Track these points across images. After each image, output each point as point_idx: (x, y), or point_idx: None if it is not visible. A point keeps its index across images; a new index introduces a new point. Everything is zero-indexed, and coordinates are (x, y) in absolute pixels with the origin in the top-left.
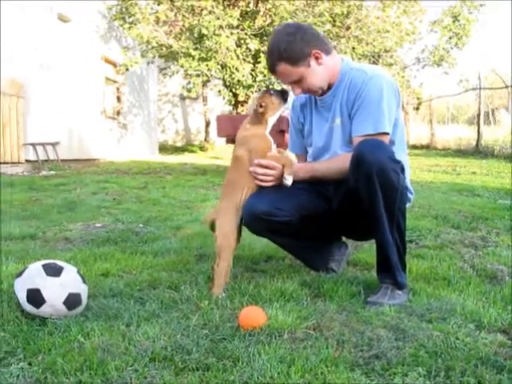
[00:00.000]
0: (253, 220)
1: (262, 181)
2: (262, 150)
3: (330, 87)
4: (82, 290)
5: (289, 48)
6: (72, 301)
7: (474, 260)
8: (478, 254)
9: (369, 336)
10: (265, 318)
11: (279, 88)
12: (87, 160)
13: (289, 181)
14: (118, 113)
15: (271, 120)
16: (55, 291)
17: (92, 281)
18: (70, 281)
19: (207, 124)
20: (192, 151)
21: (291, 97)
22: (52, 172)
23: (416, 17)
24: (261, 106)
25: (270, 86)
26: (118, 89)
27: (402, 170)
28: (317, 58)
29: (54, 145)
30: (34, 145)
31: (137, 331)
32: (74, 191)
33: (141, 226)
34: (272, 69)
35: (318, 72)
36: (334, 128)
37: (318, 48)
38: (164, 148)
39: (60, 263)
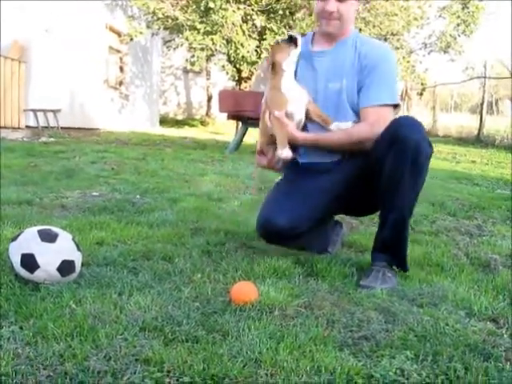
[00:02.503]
0: (269, 234)
1: None
2: (275, 105)
3: (333, 39)
4: (76, 257)
5: None
6: (65, 267)
7: (469, 248)
8: (473, 243)
9: (359, 317)
10: (256, 294)
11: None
12: (87, 129)
13: (281, 154)
14: (121, 83)
15: (286, 64)
16: (49, 257)
17: (86, 249)
18: (65, 247)
19: (209, 98)
20: (193, 125)
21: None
22: (52, 139)
23: (425, 1)
24: (272, 56)
25: None
26: (121, 59)
27: (431, 152)
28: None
29: (54, 112)
30: (34, 111)
31: (128, 300)
32: (72, 159)
33: (138, 196)
34: None
35: (353, 9)
36: (338, 89)
37: None
38: (165, 120)
39: (55, 230)
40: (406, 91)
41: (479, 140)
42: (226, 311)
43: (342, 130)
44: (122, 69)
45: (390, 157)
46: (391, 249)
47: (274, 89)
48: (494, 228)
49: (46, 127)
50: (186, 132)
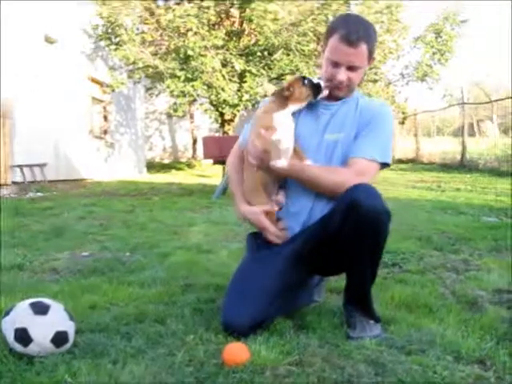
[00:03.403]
0: (235, 335)
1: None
2: (260, 127)
3: (339, 98)
4: (69, 327)
5: (374, 39)
6: (59, 339)
7: (456, 285)
8: (460, 279)
9: (349, 372)
10: (248, 354)
11: (315, 79)
12: (74, 180)
13: (277, 164)
14: (105, 132)
15: (292, 108)
16: (42, 330)
17: (79, 314)
18: (57, 319)
19: (194, 141)
20: (179, 168)
21: (323, 94)
22: (39, 194)
23: (399, 34)
24: (288, 90)
25: (256, 106)
26: (104, 108)
27: (390, 218)
28: (368, 64)
29: (41, 166)
30: (21, 167)
31: (123, 370)
32: (61, 216)
33: (127, 254)
34: (356, 40)
35: (362, 77)
36: (335, 141)
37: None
38: (151, 165)
39: (47, 301)
40: None
41: (463, 165)
42: (219, 374)
43: (329, 167)
44: (106, 118)
45: (348, 224)
46: (361, 303)
47: (267, 113)
48: (480, 261)
49: (33, 182)
50: (172, 177)
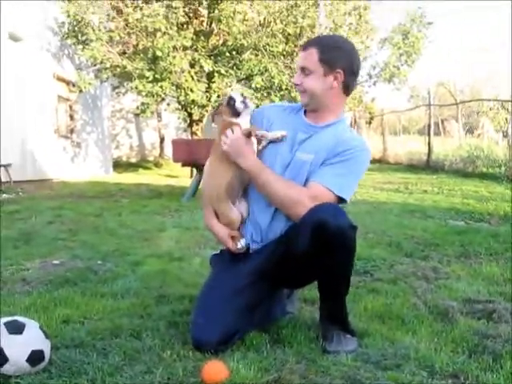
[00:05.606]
0: (206, 351)
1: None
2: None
3: (318, 117)
4: (45, 345)
5: (332, 47)
6: (35, 358)
7: (427, 295)
8: (430, 288)
9: None
10: (226, 373)
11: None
12: (41, 181)
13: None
14: (72, 131)
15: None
16: (18, 349)
17: (53, 329)
18: (33, 337)
19: (161, 140)
20: (147, 168)
21: (248, 109)
22: (4, 195)
23: (367, 35)
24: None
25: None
26: (70, 107)
27: (356, 231)
28: (335, 79)
29: (6, 166)
30: None
31: None
32: (28, 220)
33: (99, 262)
34: (306, 44)
35: (324, 87)
36: (304, 161)
37: (345, 77)
38: (118, 164)
39: (21, 319)
40: (355, 120)
41: (429, 166)
42: None
43: (287, 181)
44: (72, 117)
45: (317, 245)
46: (336, 318)
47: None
48: (449, 268)
49: None
50: (140, 177)
